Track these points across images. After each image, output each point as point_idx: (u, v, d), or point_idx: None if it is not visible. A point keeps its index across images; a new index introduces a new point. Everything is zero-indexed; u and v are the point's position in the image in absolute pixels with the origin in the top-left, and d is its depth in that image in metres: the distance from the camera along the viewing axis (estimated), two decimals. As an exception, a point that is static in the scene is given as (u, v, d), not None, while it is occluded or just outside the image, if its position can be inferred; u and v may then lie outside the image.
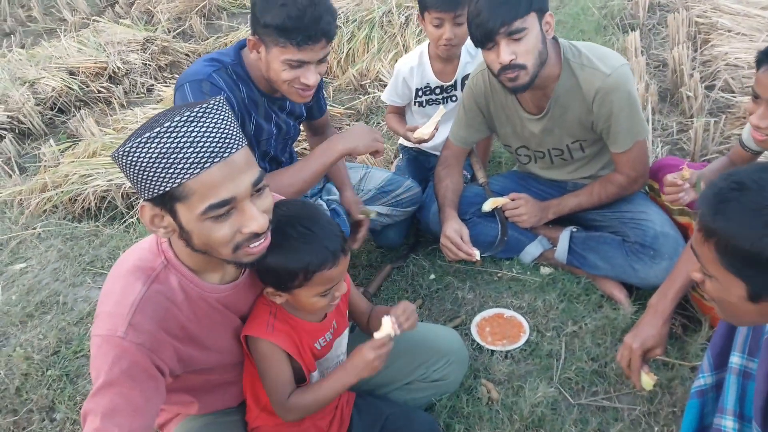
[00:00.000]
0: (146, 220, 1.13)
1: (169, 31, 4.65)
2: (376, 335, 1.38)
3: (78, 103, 3.94)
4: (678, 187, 1.75)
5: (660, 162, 2.12)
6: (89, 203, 2.90)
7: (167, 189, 1.06)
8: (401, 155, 2.73)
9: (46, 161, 3.35)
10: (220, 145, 1.06)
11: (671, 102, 3.08)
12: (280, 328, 1.36)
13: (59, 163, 3.26)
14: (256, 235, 1.15)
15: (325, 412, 1.50)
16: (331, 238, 1.29)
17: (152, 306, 1.17)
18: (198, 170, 1.05)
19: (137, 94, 4.03)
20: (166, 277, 1.21)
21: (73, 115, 3.80)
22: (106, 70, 4.05)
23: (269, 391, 1.38)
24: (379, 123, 3.30)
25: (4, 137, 3.61)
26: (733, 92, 2.97)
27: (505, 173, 2.50)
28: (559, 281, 2.14)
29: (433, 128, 2.22)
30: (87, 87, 3.98)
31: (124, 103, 3.93)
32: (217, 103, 1.10)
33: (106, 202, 2.93)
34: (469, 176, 2.52)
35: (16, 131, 3.74)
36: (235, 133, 1.11)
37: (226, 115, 1.11)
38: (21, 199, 3.04)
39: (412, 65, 2.39)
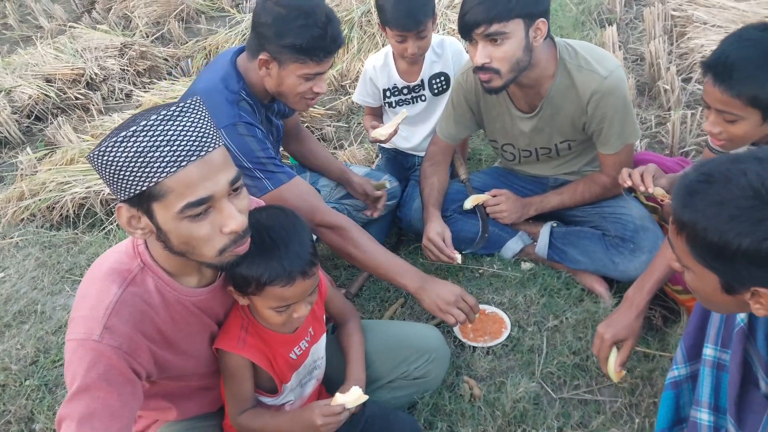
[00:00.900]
0: (123, 221, 1.12)
1: (147, 36, 4.61)
2: (338, 397, 1.35)
3: (55, 111, 3.89)
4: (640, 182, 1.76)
5: (637, 156, 2.13)
6: (67, 211, 2.87)
7: (144, 188, 1.05)
8: (380, 155, 2.72)
9: (23, 170, 3.30)
10: (197, 143, 1.06)
11: (649, 95, 3.10)
12: (252, 343, 1.35)
13: (36, 171, 3.22)
14: (239, 237, 1.14)
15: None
16: (292, 259, 1.26)
17: (128, 308, 1.16)
18: (175, 168, 1.04)
19: (116, 100, 4.00)
20: (143, 280, 1.20)
21: (51, 123, 3.76)
22: (83, 76, 4.00)
23: (227, 401, 1.39)
24: (359, 123, 3.29)
25: (-19, 146, 3.57)
26: (708, 84, 2.99)
27: (486, 170, 2.50)
28: (540, 276, 2.14)
29: (392, 130, 2.20)
30: (64, 94, 3.93)
31: (103, 110, 3.88)
32: (194, 102, 1.09)
33: (85, 209, 2.90)
34: (449, 172, 2.52)
35: (-7, 140, 3.69)
36: (211, 131, 1.10)
37: (203, 114, 1.10)
38: (-2, 209, 3.00)
39: (378, 65, 2.38)
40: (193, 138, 1.06)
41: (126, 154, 1.02)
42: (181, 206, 1.06)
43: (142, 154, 1.03)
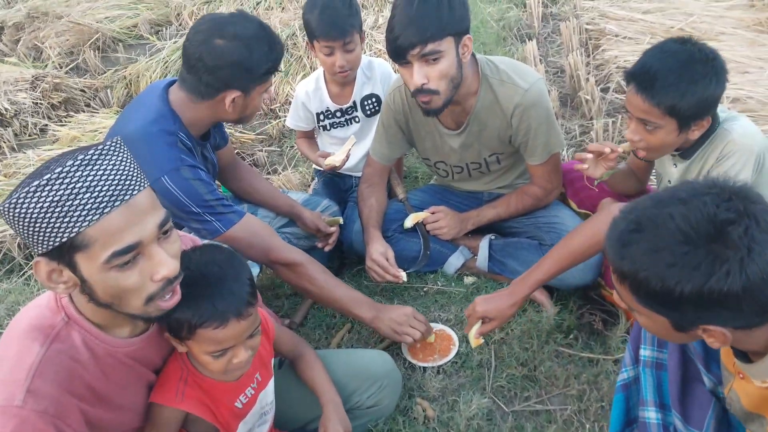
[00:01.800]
0: (42, 276, 1.03)
1: (61, 67, 4.38)
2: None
3: (-37, 150, 3.62)
4: (599, 152, 1.78)
5: (565, 165, 2.20)
6: (-19, 257, 2.66)
7: (64, 239, 0.97)
8: (316, 179, 2.69)
9: (-73, 216, 3.04)
10: (120, 187, 1.00)
11: (572, 106, 3.22)
12: (191, 395, 1.27)
13: (-57, 217, 2.96)
14: (169, 282, 1.07)
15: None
16: (226, 298, 1.20)
17: (53, 368, 1.07)
18: (98, 216, 0.97)
19: (29, 135, 3.76)
20: (68, 335, 1.11)
21: (-42, 164, 3.48)
22: (-8, 112, 3.75)
23: None
24: (292, 147, 3.24)
25: None
26: (625, 93, 3.15)
27: (422, 187, 2.52)
28: (483, 289, 2.17)
29: (344, 156, 2.22)
30: (-29, 132, 3.67)
31: (15, 146, 3.65)
32: (113, 144, 1.03)
33: (1, 254, 2.70)
34: (387, 192, 2.52)
35: None
36: (135, 173, 1.04)
37: (125, 155, 1.04)
38: None
39: (309, 90, 2.39)
40: (116, 182, 0.99)
41: (41, 204, 0.95)
42: (107, 256, 0.99)
43: (59, 203, 0.95)
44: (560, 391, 1.79)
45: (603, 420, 1.69)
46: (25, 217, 0.96)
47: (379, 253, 2.06)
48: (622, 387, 1.40)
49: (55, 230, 0.96)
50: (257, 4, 4.44)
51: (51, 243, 0.98)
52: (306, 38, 2.23)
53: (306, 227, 2.18)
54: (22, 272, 2.62)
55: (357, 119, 2.43)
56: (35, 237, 0.98)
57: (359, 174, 2.38)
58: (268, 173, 3.13)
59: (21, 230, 0.98)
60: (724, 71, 1.55)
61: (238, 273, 1.25)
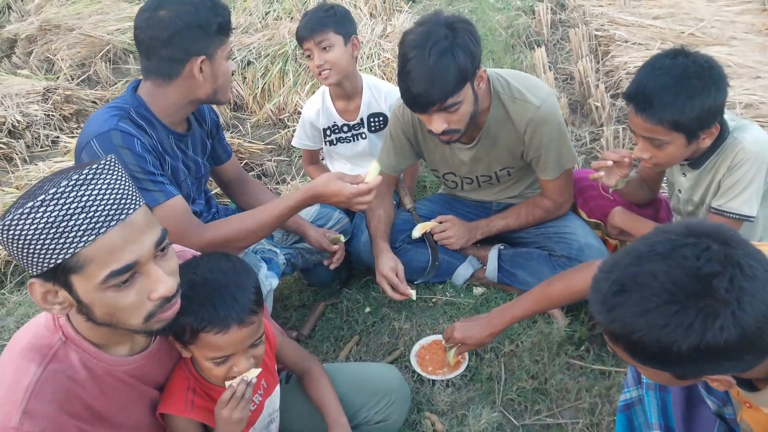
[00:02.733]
0: (37, 298, 1.02)
1: (72, 79, 4.42)
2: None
3: (-25, 163, 3.66)
4: (605, 163, 1.78)
5: (576, 174, 2.18)
6: (-8, 269, 2.68)
7: (59, 261, 0.96)
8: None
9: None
10: (115, 206, 0.99)
11: (581, 113, 3.20)
12: (200, 404, 1.27)
13: (-44, 230, 2.99)
14: (167, 301, 1.06)
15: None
16: (229, 304, 1.20)
17: (50, 388, 1.06)
18: (93, 236, 0.96)
19: (41, 147, 3.79)
20: (66, 355, 1.10)
21: (-30, 176, 3.53)
22: (4, 124, 3.78)
23: None
24: (300, 156, 3.24)
25: None
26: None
27: (430, 197, 2.50)
28: (493, 300, 2.14)
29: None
30: (-17, 144, 3.71)
31: (27, 158, 3.68)
32: (108, 162, 1.02)
33: (12, 266, 2.71)
34: (395, 202, 2.51)
35: None
36: (131, 192, 1.03)
37: (120, 174, 1.03)
38: None
39: (318, 108, 2.42)
40: (111, 201, 0.98)
41: (35, 225, 0.94)
42: (104, 276, 0.98)
43: (54, 225, 0.94)
44: (572, 405, 1.76)
45: (615, 435, 1.66)
46: (18, 239, 0.95)
47: (389, 268, 2.05)
48: (624, 407, 1.37)
49: (49, 252, 0.96)
50: (266, 14, 4.46)
51: (45, 265, 0.97)
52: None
53: (311, 244, 2.16)
54: (32, 284, 2.64)
55: (364, 135, 2.44)
56: (29, 259, 0.97)
57: (367, 185, 2.37)
58: (277, 183, 3.13)
59: (14, 252, 0.98)
60: (722, 78, 1.52)
61: (242, 281, 1.25)
